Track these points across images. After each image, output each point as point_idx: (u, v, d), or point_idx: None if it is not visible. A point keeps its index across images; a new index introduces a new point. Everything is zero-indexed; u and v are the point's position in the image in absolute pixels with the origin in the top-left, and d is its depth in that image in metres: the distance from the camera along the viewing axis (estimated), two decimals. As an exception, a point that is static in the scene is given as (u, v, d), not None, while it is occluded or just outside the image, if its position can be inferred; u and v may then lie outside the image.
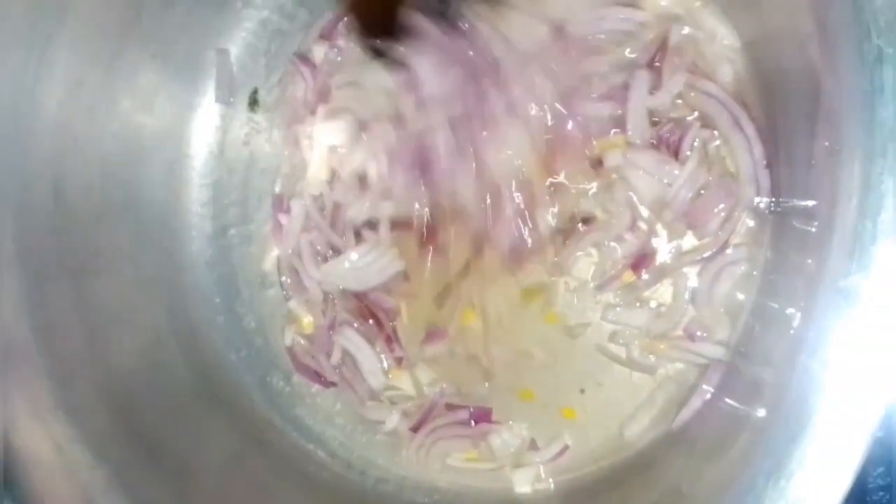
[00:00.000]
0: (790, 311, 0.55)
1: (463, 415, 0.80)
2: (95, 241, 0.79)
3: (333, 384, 0.86)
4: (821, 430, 0.48)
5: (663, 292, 0.76)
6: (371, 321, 0.84)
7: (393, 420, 0.83)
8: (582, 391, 0.79)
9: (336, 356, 0.84)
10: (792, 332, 0.55)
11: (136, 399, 0.77)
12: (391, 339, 0.83)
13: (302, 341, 0.87)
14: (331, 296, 0.85)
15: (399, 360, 0.84)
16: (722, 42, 0.74)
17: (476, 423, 0.80)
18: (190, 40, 0.87)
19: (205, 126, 0.91)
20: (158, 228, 0.88)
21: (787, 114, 0.65)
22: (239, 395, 0.87)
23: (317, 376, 0.86)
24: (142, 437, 0.75)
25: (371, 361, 0.83)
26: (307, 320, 0.87)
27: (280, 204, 0.88)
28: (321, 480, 0.84)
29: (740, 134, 0.71)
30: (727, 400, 0.67)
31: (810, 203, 0.58)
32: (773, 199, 0.70)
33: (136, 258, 0.84)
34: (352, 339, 0.83)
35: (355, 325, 0.84)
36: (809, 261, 0.55)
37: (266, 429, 0.86)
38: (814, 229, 0.56)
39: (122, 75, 0.81)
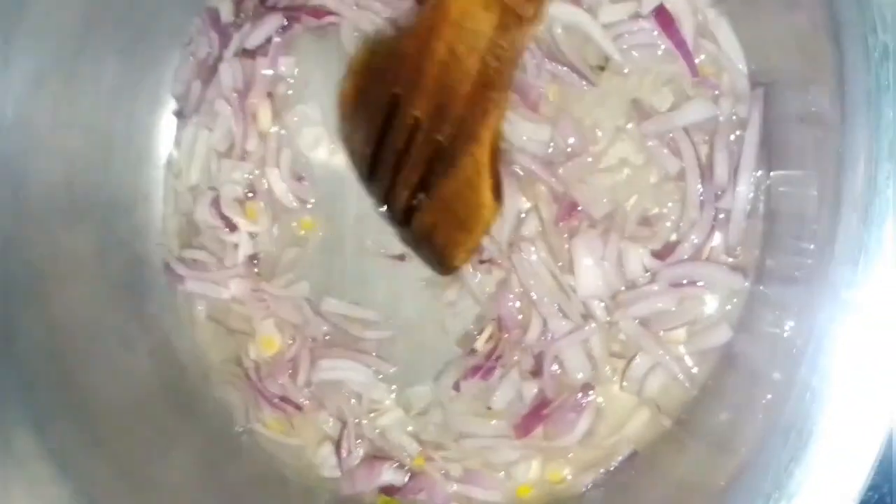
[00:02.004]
0: (788, 324, 0.52)
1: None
2: (60, 245, 0.74)
3: (299, 408, 0.80)
4: (823, 448, 0.45)
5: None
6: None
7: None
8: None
9: (303, 378, 0.79)
10: (790, 346, 0.50)
11: (102, 410, 0.73)
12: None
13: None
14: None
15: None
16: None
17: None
18: (156, 36, 0.81)
19: (172, 124, 0.85)
20: (126, 230, 0.83)
21: (785, 117, 0.61)
22: (210, 404, 0.82)
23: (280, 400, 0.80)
24: (108, 450, 0.71)
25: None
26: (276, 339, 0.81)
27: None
28: (295, 490, 0.79)
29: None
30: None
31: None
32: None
33: (103, 262, 0.79)
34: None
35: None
36: (806, 271, 0.51)
37: (237, 440, 0.81)
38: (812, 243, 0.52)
39: (86, 72, 0.75)
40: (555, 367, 0.72)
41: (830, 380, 0.46)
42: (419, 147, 0.70)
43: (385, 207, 0.77)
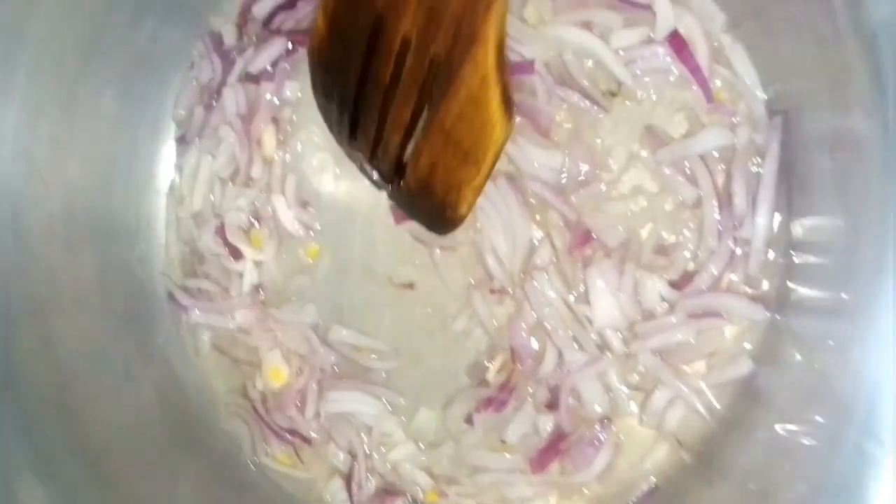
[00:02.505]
0: (820, 359, 0.49)
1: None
2: (60, 277, 0.72)
3: (307, 441, 0.78)
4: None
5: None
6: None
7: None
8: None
9: (311, 410, 0.77)
10: (822, 384, 0.48)
11: (107, 445, 0.70)
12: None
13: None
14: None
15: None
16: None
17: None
18: (157, 60, 0.79)
19: (174, 150, 0.83)
20: (128, 259, 0.80)
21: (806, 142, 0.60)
22: (217, 436, 0.79)
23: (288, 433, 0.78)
24: (114, 485, 0.68)
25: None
26: (283, 371, 0.78)
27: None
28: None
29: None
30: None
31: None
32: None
33: (104, 293, 0.76)
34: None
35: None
36: (836, 303, 0.49)
37: (246, 473, 0.78)
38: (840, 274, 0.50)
39: (86, 99, 0.73)
40: (571, 399, 0.70)
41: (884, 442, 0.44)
42: (411, 72, 0.61)
43: (374, 171, 0.71)
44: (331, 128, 0.72)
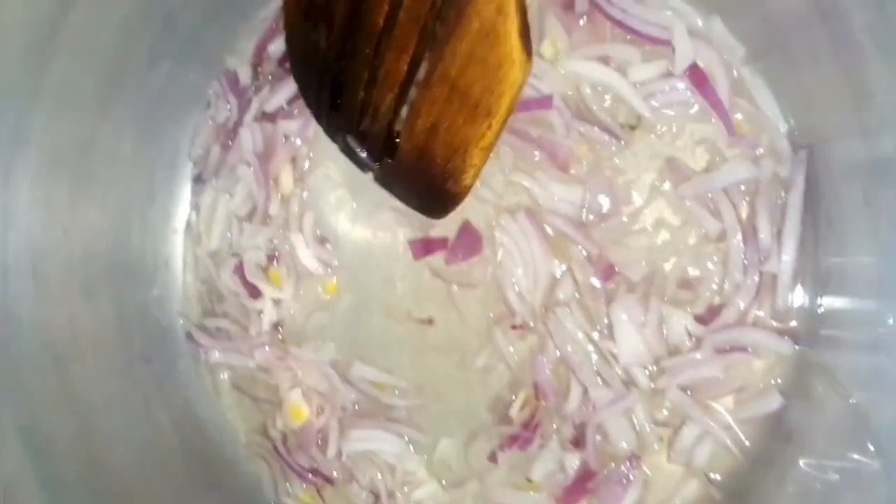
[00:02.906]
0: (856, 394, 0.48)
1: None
2: (79, 322, 0.71)
3: (330, 480, 0.76)
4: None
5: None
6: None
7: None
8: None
9: (333, 449, 0.75)
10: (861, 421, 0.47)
11: (129, 489, 0.70)
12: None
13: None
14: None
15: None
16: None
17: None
18: (173, 101, 0.78)
19: (189, 189, 0.82)
20: (146, 300, 0.80)
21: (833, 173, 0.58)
22: (238, 475, 0.78)
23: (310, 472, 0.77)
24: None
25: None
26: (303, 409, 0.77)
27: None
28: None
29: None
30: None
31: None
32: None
33: (123, 335, 0.75)
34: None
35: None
36: (869, 336, 0.48)
37: (271, 515, 0.77)
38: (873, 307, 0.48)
39: (104, 142, 0.72)
40: (598, 437, 0.69)
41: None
42: (409, 11, 0.51)
43: (360, 149, 0.64)
44: (308, 99, 0.64)
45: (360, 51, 0.55)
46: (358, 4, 0.53)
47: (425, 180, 0.60)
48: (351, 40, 0.55)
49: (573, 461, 0.69)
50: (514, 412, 0.72)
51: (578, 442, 0.69)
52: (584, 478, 0.68)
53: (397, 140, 0.58)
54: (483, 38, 0.49)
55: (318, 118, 0.63)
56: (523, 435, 0.70)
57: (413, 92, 0.55)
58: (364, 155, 0.64)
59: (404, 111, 0.57)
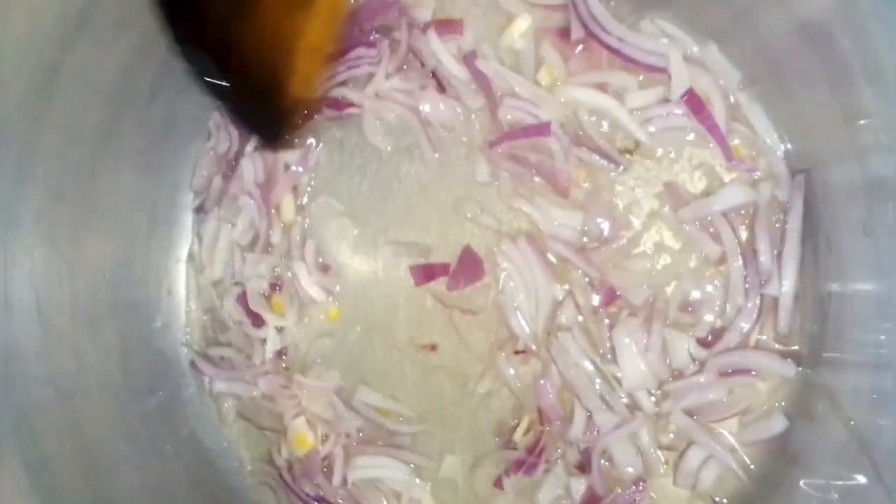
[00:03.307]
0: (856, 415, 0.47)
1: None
2: (84, 356, 0.70)
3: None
4: None
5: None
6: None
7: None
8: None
9: (338, 477, 0.75)
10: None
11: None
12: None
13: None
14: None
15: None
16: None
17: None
18: (174, 134, 0.78)
19: (191, 219, 0.82)
20: (149, 331, 0.79)
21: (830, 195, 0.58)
22: (245, 505, 0.78)
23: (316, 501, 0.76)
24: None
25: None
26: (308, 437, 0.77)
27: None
28: None
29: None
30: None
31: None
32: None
33: (127, 367, 0.75)
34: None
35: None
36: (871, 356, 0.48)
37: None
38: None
39: (106, 177, 0.72)
40: (603, 461, 0.68)
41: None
42: None
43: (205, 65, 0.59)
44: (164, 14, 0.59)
45: None
46: None
47: (263, 97, 0.59)
48: None
49: (579, 486, 0.68)
50: (518, 437, 0.72)
51: (584, 467, 0.69)
52: (591, 503, 0.68)
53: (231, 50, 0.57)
54: None
55: (176, 39, 0.59)
56: (528, 460, 0.70)
57: None
58: (210, 74, 0.60)
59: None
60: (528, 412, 0.72)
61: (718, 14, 0.65)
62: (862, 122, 0.56)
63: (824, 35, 0.56)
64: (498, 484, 0.71)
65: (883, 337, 0.55)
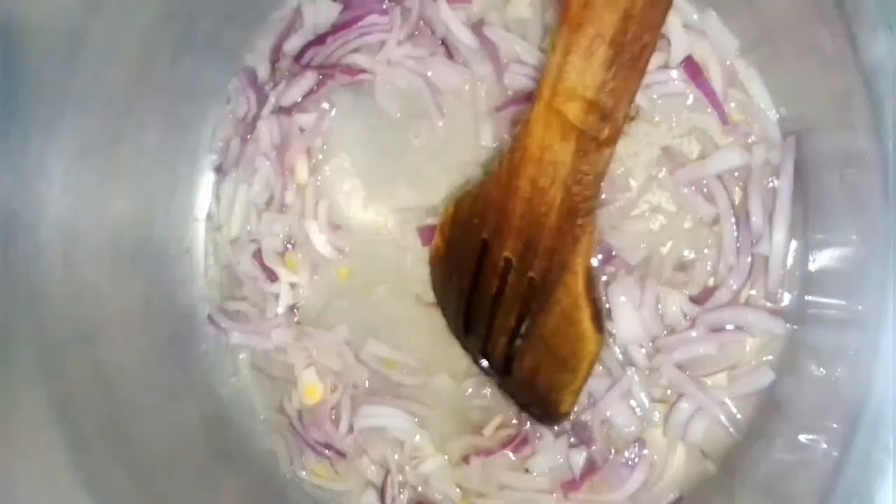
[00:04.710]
0: (837, 371, 0.49)
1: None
2: (108, 304, 0.73)
3: (342, 455, 0.78)
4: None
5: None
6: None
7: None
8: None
9: (345, 425, 0.77)
10: (841, 395, 0.48)
11: (154, 463, 0.71)
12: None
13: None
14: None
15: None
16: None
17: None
18: (195, 97, 0.80)
19: (211, 179, 0.84)
20: (170, 284, 0.81)
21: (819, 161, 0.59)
22: (255, 451, 0.80)
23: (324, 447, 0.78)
24: (157, 498, 0.69)
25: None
26: (318, 388, 0.78)
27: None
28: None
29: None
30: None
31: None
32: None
33: (149, 316, 0.77)
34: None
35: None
36: (853, 315, 0.48)
37: (284, 486, 0.79)
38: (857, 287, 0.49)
39: (130, 135, 0.74)
40: (604, 429, 0.70)
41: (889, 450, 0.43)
42: (512, 288, 0.66)
43: (484, 361, 0.73)
44: (448, 322, 0.75)
45: (480, 305, 0.69)
46: (477, 277, 0.69)
47: (534, 400, 0.70)
48: (475, 297, 0.70)
49: (578, 458, 0.70)
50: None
51: (584, 440, 0.70)
52: (590, 471, 0.70)
53: (513, 365, 0.70)
54: (564, 318, 0.64)
55: (457, 335, 0.75)
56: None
57: (519, 340, 0.68)
58: (486, 366, 0.73)
59: (516, 345, 0.68)
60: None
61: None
62: (847, 97, 0.56)
63: (817, 14, 0.56)
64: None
65: (860, 296, 0.56)
